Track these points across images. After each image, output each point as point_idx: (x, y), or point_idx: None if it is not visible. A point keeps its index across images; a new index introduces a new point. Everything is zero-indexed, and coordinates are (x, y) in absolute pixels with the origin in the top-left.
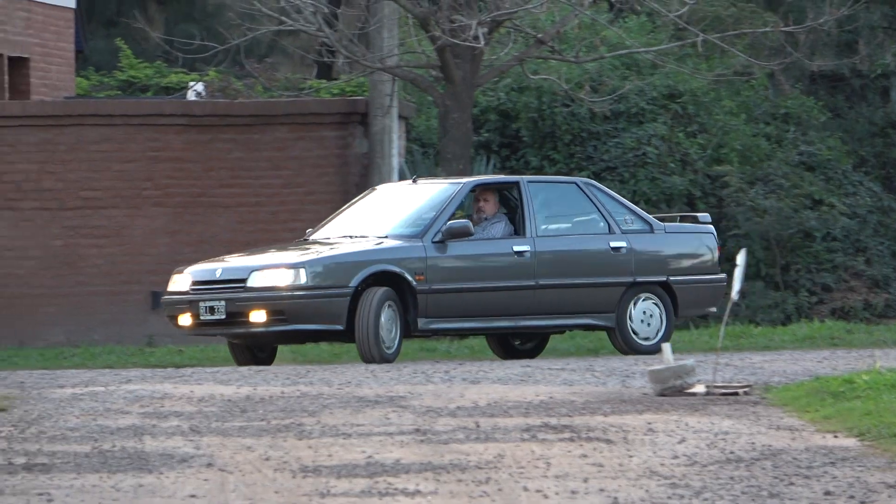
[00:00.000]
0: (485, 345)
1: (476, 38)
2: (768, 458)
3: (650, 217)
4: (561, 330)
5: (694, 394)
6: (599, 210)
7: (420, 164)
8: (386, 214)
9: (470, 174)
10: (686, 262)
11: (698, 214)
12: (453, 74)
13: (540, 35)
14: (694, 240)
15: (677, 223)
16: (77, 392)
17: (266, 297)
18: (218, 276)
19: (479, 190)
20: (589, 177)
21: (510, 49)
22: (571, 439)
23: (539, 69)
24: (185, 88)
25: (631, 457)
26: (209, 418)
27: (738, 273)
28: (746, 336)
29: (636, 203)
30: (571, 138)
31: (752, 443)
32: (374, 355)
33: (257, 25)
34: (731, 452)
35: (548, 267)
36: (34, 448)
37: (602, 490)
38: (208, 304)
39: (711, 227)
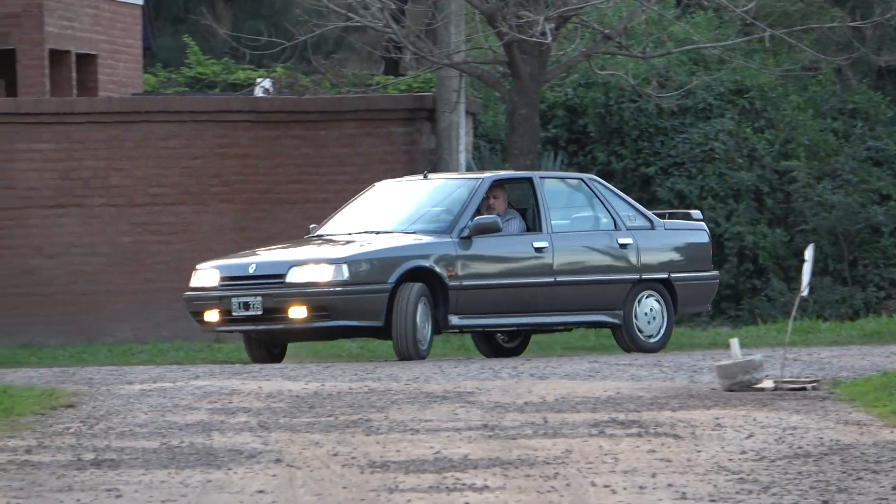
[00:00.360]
0: (552, 341)
1: (543, 33)
2: (836, 452)
3: (650, 213)
4: (571, 327)
5: (762, 389)
6: (605, 206)
7: (487, 159)
8: (399, 210)
9: (538, 170)
10: (684, 260)
11: (692, 212)
12: (520, 70)
13: (607, 31)
14: (691, 237)
15: (676, 220)
16: (145, 388)
17: (307, 293)
18: (251, 271)
19: (491, 186)
20: (657, 173)
21: (577, 45)
22: (639, 434)
23: (606, 65)
24: (253, 85)
25: (699, 452)
26: (277, 414)
27: (807, 268)
28: (814, 331)
29: (704, 199)
30: (639, 134)
31: (821, 438)
32: (412, 352)
33: (325, 22)
34: (799, 447)
35: (564, 264)
36: (103, 444)
37: (670, 485)
38: (242, 299)
39: (704, 224)
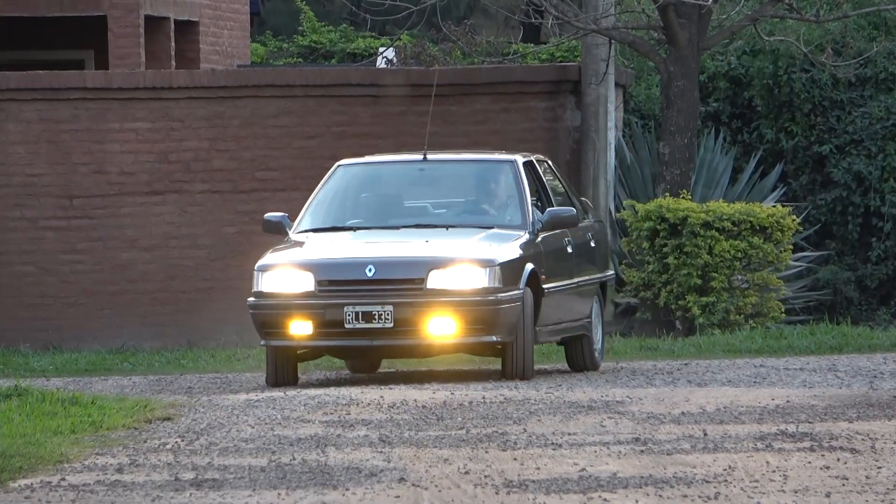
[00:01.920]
0: (712, 343)
1: None
2: None
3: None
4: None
5: None
6: (569, 194)
7: (639, 137)
8: (412, 197)
9: (695, 149)
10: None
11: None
12: (678, 36)
13: None
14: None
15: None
16: (252, 398)
17: (457, 302)
18: (371, 274)
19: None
20: (831, 152)
21: (742, 7)
22: (811, 449)
23: (775, 30)
24: (375, 55)
25: (880, 468)
26: (401, 427)
27: None
28: None
29: (885, 181)
30: (811, 108)
31: None
32: (529, 371)
33: None
34: None
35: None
36: (204, 462)
37: None
38: (361, 308)
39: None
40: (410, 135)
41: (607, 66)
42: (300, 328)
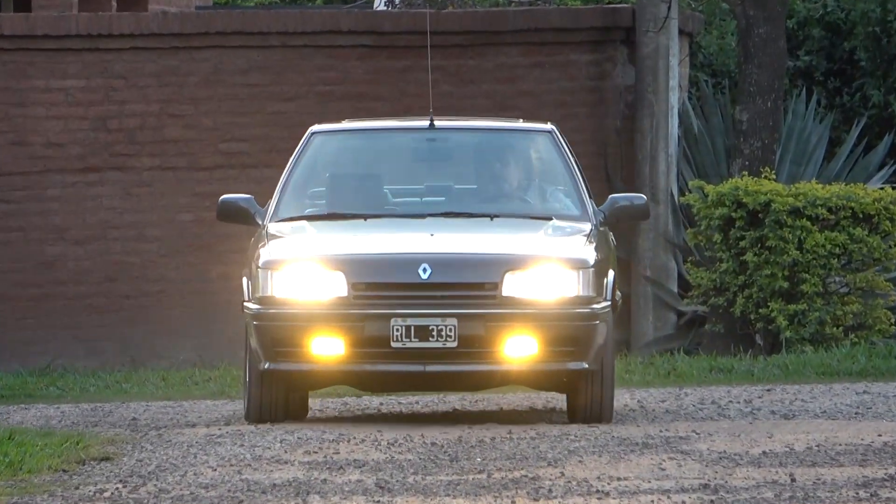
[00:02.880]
0: (802, 363)
1: None
2: None
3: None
4: None
5: None
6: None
7: (710, 100)
8: (422, 176)
9: (781, 116)
10: None
11: None
12: None
13: None
14: None
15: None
16: (213, 433)
17: (542, 316)
18: (426, 276)
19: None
20: None
21: None
22: None
23: None
24: None
25: None
26: (404, 470)
27: None
28: None
29: None
30: None
31: None
32: (610, 409)
33: None
34: None
35: None
36: None
37: None
38: (414, 322)
39: None
40: (416, 96)
41: (669, 8)
42: (328, 347)
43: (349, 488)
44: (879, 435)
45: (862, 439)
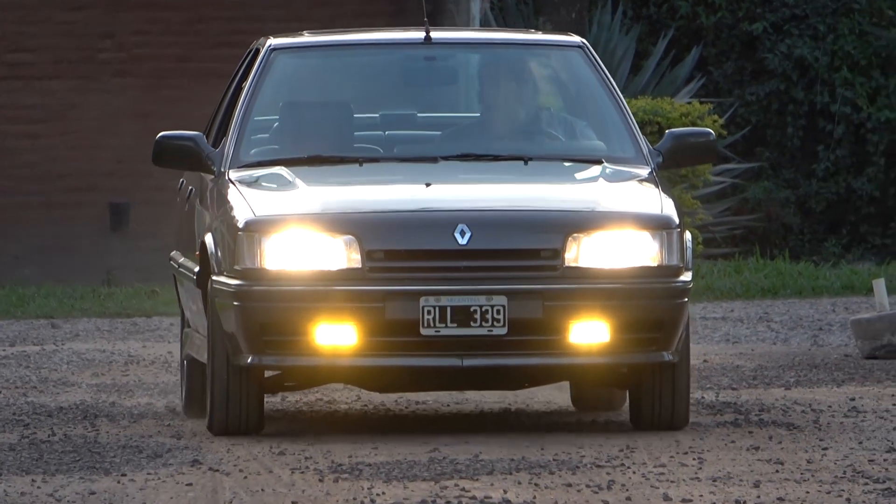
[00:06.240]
0: None
1: None
2: None
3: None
4: None
5: None
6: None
7: (512, 10)
8: (425, 104)
9: (586, 27)
10: None
11: None
12: None
13: None
14: None
15: None
16: None
17: (618, 292)
18: (464, 241)
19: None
20: (765, 30)
21: None
22: (736, 423)
23: None
24: None
25: (825, 450)
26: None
27: None
28: None
29: (836, 70)
30: None
31: None
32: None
33: None
34: None
35: None
36: None
37: (781, 499)
38: (452, 301)
39: None
40: (209, 5)
41: None
42: (336, 335)
43: (139, 411)
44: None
45: None
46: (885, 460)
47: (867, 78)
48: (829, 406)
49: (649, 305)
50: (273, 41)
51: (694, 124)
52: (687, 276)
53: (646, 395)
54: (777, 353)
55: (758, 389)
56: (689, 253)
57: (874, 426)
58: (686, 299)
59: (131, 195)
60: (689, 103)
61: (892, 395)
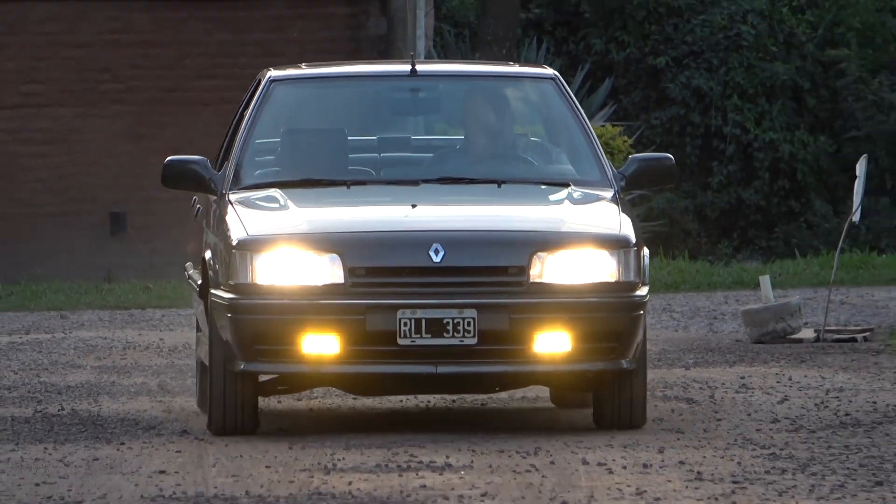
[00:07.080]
0: None
1: None
2: (893, 421)
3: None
4: None
5: (800, 340)
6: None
7: (453, 48)
8: (405, 130)
9: (515, 60)
10: None
11: None
12: None
13: None
14: None
15: None
16: (15, 341)
17: (579, 306)
18: (438, 259)
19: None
20: (668, 65)
21: None
22: None
23: None
24: None
25: (719, 421)
26: (183, 373)
27: (858, 186)
28: (867, 266)
29: (728, 97)
30: (646, 15)
31: (874, 402)
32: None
33: None
34: (847, 414)
35: None
36: None
37: (682, 463)
38: (427, 314)
39: None
40: (193, 43)
41: None
42: (320, 345)
43: (135, 389)
44: None
45: None
46: (770, 430)
47: (754, 104)
48: (723, 384)
49: (608, 318)
50: (273, 73)
51: (608, 144)
52: (643, 291)
53: (607, 399)
54: (678, 339)
55: (661, 370)
56: (645, 269)
57: (761, 401)
58: (642, 312)
59: (128, 205)
60: (603, 126)
61: (776, 374)
